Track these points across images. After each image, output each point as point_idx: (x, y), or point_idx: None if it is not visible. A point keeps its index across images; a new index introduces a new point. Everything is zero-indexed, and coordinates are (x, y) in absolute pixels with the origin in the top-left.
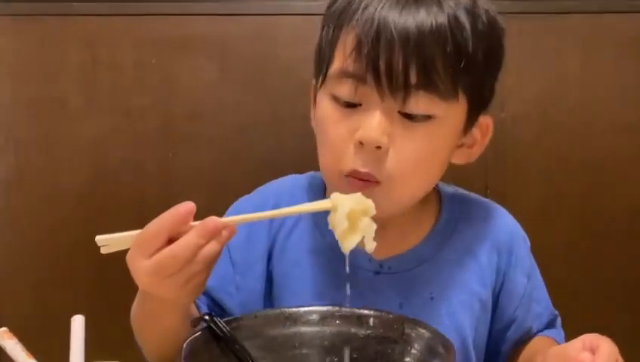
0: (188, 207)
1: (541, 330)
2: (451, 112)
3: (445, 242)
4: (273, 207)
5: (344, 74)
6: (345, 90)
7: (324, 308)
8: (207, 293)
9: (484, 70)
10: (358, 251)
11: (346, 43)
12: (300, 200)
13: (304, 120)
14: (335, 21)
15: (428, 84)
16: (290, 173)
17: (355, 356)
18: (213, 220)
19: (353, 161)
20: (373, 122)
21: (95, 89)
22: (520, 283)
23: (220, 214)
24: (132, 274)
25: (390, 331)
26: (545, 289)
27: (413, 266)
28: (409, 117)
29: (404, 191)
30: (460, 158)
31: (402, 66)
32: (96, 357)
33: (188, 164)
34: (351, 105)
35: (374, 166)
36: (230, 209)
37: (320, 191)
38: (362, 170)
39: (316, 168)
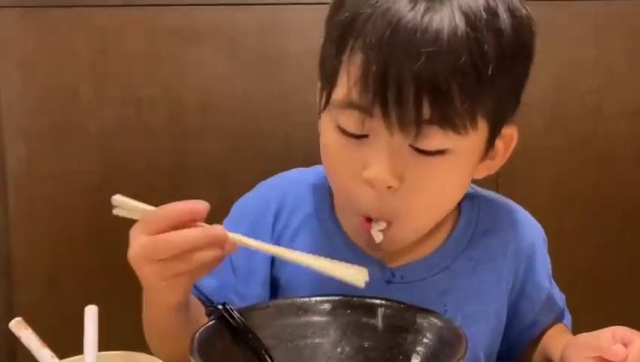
0: (202, 205)
1: (551, 323)
2: (470, 142)
3: (462, 250)
4: (276, 207)
5: (349, 105)
6: (350, 122)
7: (336, 298)
8: (208, 300)
9: (509, 88)
10: (367, 259)
11: (350, 69)
12: (305, 199)
13: (314, 111)
14: (337, 39)
15: (442, 119)
16: (301, 164)
17: (366, 345)
18: (221, 229)
19: (366, 206)
20: (382, 162)
21: (105, 80)
22: (543, 287)
23: (230, 205)
24: (130, 246)
25: (401, 320)
26: (555, 283)
27: (427, 276)
28: (422, 152)
29: (415, 228)
30: (480, 173)
31: (413, 100)
32: (108, 347)
33: (198, 154)
34: (357, 136)
35: (387, 209)
36: (233, 209)
37: (325, 192)
38: (374, 215)
39: None
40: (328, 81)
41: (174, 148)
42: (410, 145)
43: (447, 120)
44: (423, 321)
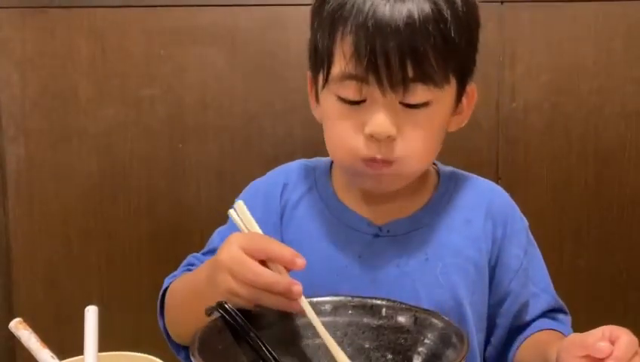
0: (301, 262)
1: (541, 314)
2: (445, 94)
3: (441, 210)
4: (283, 182)
5: (347, 77)
6: (350, 91)
7: (337, 298)
8: None
9: (468, 50)
10: (359, 217)
11: (344, 48)
12: (307, 176)
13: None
14: (329, 26)
15: (423, 76)
16: None
17: (367, 346)
18: (299, 288)
19: (368, 150)
20: (380, 117)
21: (105, 80)
22: (514, 256)
23: (229, 204)
24: (222, 246)
25: (403, 321)
26: (547, 275)
27: (410, 230)
28: (410, 106)
29: (412, 167)
30: (453, 126)
31: (399, 64)
32: (106, 346)
33: (197, 154)
34: (356, 102)
35: (387, 151)
36: (245, 191)
37: (325, 171)
38: (379, 156)
39: (327, 156)
40: (325, 62)
41: (174, 147)
42: (400, 103)
43: (427, 76)
44: (424, 322)
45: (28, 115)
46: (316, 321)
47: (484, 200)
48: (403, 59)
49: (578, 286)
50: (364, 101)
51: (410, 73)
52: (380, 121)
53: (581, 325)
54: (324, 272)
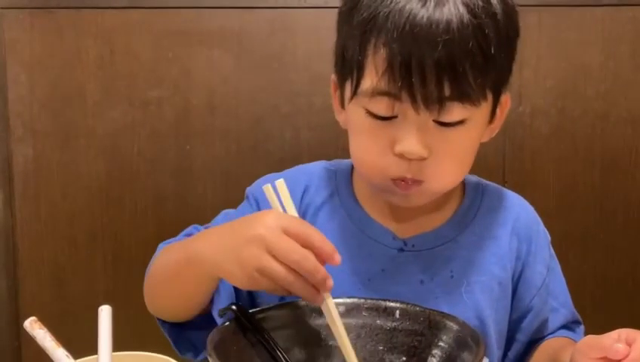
0: (337, 258)
1: (559, 328)
2: (481, 110)
3: (467, 225)
4: (305, 184)
5: (379, 93)
6: (381, 107)
7: (350, 300)
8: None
9: (506, 62)
10: (383, 229)
11: (377, 62)
12: (329, 182)
13: (320, 112)
14: (360, 37)
15: (460, 95)
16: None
17: (381, 348)
18: (330, 281)
19: (398, 170)
20: (413, 137)
21: (112, 82)
22: (538, 273)
23: (236, 205)
24: (256, 220)
25: (416, 323)
26: (565, 288)
27: (435, 245)
28: (444, 124)
29: (444, 186)
30: (485, 137)
31: (435, 82)
32: (114, 346)
33: (204, 156)
34: (386, 118)
35: (417, 171)
36: (258, 183)
37: (347, 176)
38: (409, 176)
39: (332, 159)
40: (354, 75)
41: (181, 149)
42: (434, 120)
43: (464, 95)
44: (438, 324)
45: (35, 115)
46: (337, 320)
47: (510, 215)
48: (440, 77)
49: (584, 291)
50: (395, 117)
51: (447, 92)
52: (412, 141)
53: (587, 329)
54: (346, 284)
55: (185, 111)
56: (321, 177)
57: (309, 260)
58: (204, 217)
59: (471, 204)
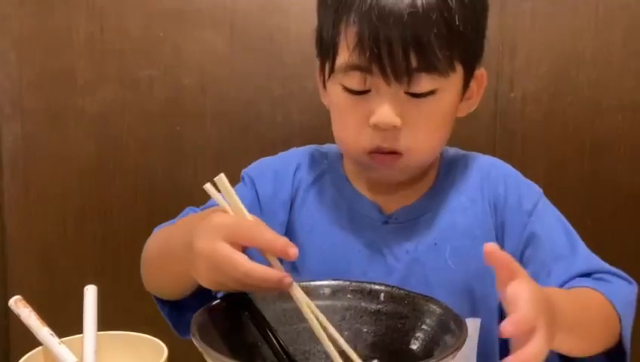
0: (293, 252)
1: (573, 277)
2: (451, 81)
3: (446, 193)
4: (297, 163)
5: (351, 67)
6: (354, 81)
7: (336, 283)
8: None
9: (474, 36)
10: (370, 204)
11: (348, 38)
12: (320, 161)
13: (313, 94)
14: (333, 16)
15: (427, 66)
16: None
17: (365, 330)
18: (291, 285)
19: (373, 140)
20: (385, 107)
21: (103, 60)
22: (518, 222)
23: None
24: (201, 230)
25: (401, 306)
26: (578, 240)
27: (417, 216)
28: (415, 95)
29: (422, 157)
30: (462, 112)
31: (402, 55)
32: (103, 326)
33: (195, 137)
34: (361, 92)
35: (393, 142)
36: (252, 167)
37: (337, 157)
38: (384, 145)
39: (324, 143)
40: (330, 52)
41: (172, 130)
42: (405, 92)
43: (431, 66)
44: (422, 307)
45: (24, 93)
46: (305, 305)
47: (481, 175)
48: (406, 49)
49: None
50: (369, 91)
51: (414, 63)
52: (384, 111)
53: None
54: (336, 258)
55: (176, 91)
56: (312, 157)
57: (252, 275)
58: (195, 198)
59: (447, 173)
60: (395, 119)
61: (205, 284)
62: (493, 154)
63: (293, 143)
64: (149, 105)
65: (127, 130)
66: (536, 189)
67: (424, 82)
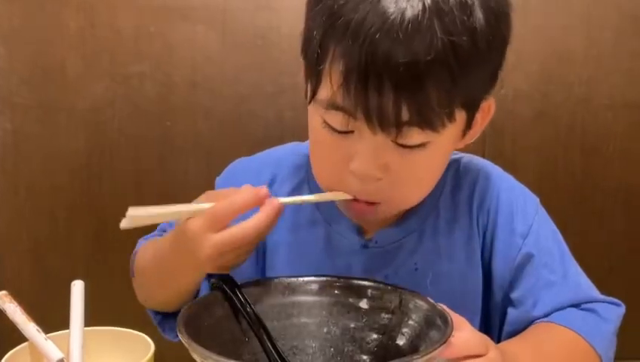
0: (265, 191)
1: (561, 306)
2: (448, 131)
3: (429, 213)
4: (272, 172)
5: (334, 106)
6: (336, 121)
7: (323, 278)
8: None
9: (484, 74)
10: (349, 225)
11: (333, 74)
12: (299, 168)
13: (304, 93)
14: (321, 33)
15: (421, 122)
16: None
17: (352, 326)
18: (278, 201)
19: (351, 188)
20: (367, 156)
21: (93, 55)
22: (513, 244)
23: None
24: (193, 244)
25: (387, 302)
26: (570, 263)
27: (399, 238)
28: (404, 146)
29: (405, 205)
30: (462, 144)
31: (393, 106)
32: (93, 322)
33: (186, 133)
34: (343, 132)
35: (374, 193)
36: (225, 173)
37: None
38: (362, 198)
39: None
40: (313, 79)
41: (162, 126)
42: (393, 141)
43: (425, 121)
44: (408, 303)
45: (15, 89)
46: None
47: (474, 193)
48: (398, 101)
49: None
50: (352, 132)
51: (405, 116)
52: (366, 161)
53: None
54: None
55: (167, 87)
56: (289, 166)
57: (246, 235)
58: (185, 194)
59: (434, 190)
60: (376, 172)
61: (217, 269)
62: (483, 153)
63: (285, 140)
64: (140, 101)
65: (118, 125)
66: (532, 203)
67: (416, 135)
